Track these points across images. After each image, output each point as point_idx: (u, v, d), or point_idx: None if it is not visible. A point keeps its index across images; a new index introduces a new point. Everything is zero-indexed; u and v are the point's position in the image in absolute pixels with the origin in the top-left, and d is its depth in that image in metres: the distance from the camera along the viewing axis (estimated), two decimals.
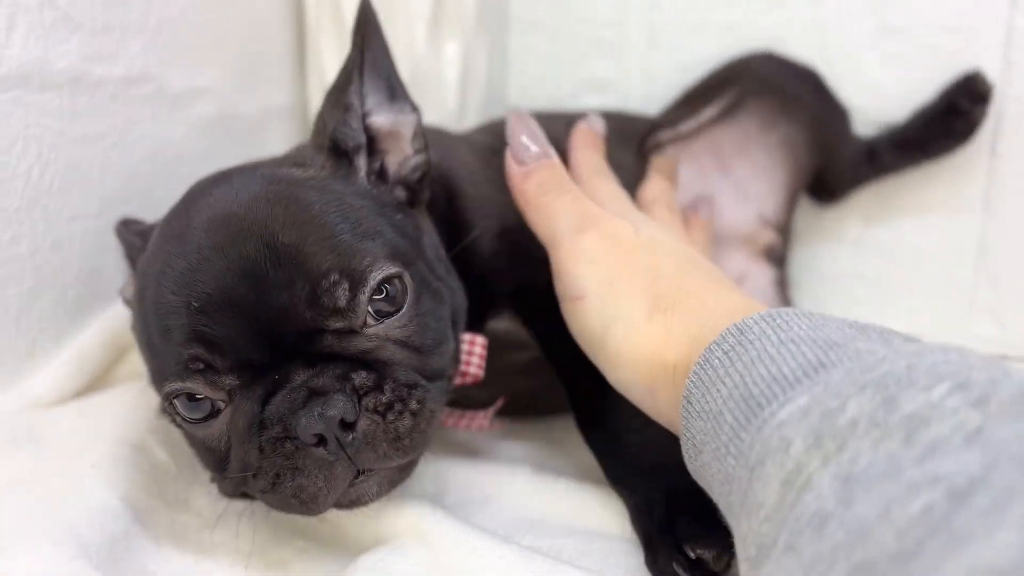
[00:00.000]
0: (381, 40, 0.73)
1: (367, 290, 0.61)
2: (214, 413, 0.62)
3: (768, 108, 0.99)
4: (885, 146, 1.04)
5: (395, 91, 0.74)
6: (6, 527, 0.62)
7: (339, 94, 0.71)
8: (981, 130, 1.03)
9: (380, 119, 0.73)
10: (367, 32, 0.71)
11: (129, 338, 0.88)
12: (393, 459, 0.61)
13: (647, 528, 0.64)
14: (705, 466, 0.54)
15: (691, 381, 0.56)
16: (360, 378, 0.60)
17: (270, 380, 0.60)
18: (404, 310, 0.64)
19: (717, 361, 0.54)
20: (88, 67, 0.83)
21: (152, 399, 0.73)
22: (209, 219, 0.63)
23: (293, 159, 0.72)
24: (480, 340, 0.75)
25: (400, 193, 0.72)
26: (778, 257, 1.03)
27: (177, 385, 0.61)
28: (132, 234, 0.83)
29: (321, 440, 0.58)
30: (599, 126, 0.85)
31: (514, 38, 1.19)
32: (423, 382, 0.63)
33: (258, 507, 0.67)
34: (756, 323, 0.54)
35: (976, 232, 1.07)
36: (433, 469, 0.76)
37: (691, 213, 0.93)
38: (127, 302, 0.81)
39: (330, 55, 1.09)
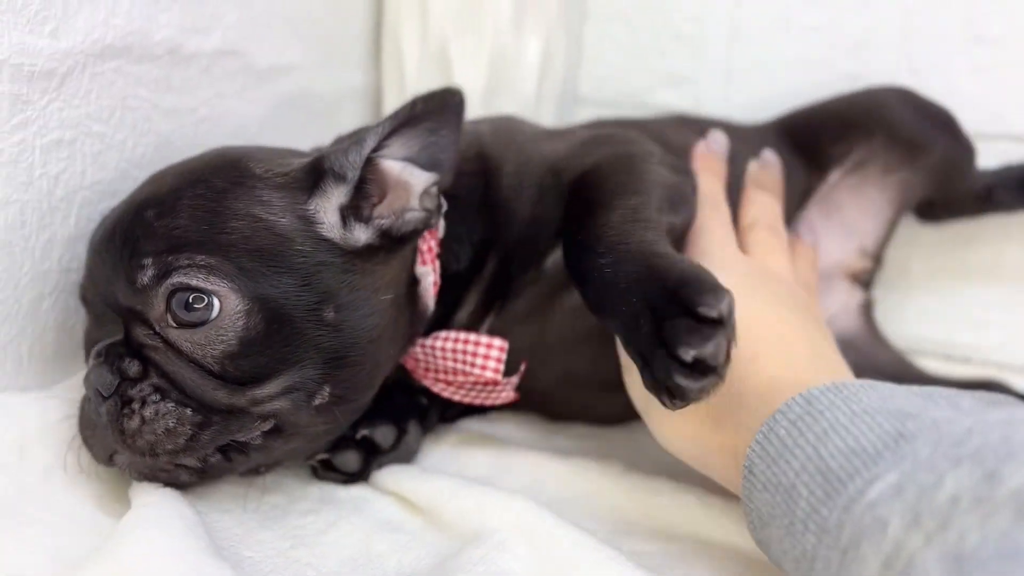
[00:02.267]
0: (455, 125, 0.70)
1: (164, 287, 0.61)
2: None
3: (896, 157, 0.95)
4: (1005, 185, 1.00)
5: (439, 166, 0.70)
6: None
7: (363, 129, 0.70)
8: None
9: (392, 164, 0.69)
10: (445, 110, 0.69)
11: None
12: (125, 451, 0.62)
13: (638, 346, 0.61)
14: (774, 539, 0.53)
15: (753, 451, 0.55)
16: (127, 364, 0.62)
17: (103, 328, 0.66)
18: (203, 329, 0.61)
19: (784, 432, 0.54)
20: (184, 39, 0.82)
21: None
22: (148, 176, 0.71)
23: (291, 154, 0.72)
24: (498, 343, 0.73)
25: (362, 236, 0.67)
26: (866, 281, 1.01)
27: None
28: None
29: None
30: (721, 146, 0.83)
31: (590, 29, 1.17)
32: (189, 403, 0.62)
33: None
34: (823, 393, 0.54)
35: None
36: (530, 463, 0.75)
37: (794, 238, 0.89)
38: None
39: (409, 40, 1.08)
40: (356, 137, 0.68)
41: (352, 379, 0.67)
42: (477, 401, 0.77)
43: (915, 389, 0.54)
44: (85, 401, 0.64)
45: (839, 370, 0.64)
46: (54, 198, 0.71)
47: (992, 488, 0.41)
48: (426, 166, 0.70)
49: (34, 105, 0.68)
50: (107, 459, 0.64)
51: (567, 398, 0.86)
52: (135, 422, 0.61)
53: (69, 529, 0.63)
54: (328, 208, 0.66)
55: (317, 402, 0.65)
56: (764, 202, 0.83)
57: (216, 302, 0.61)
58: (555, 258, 0.75)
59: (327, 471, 0.74)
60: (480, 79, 1.06)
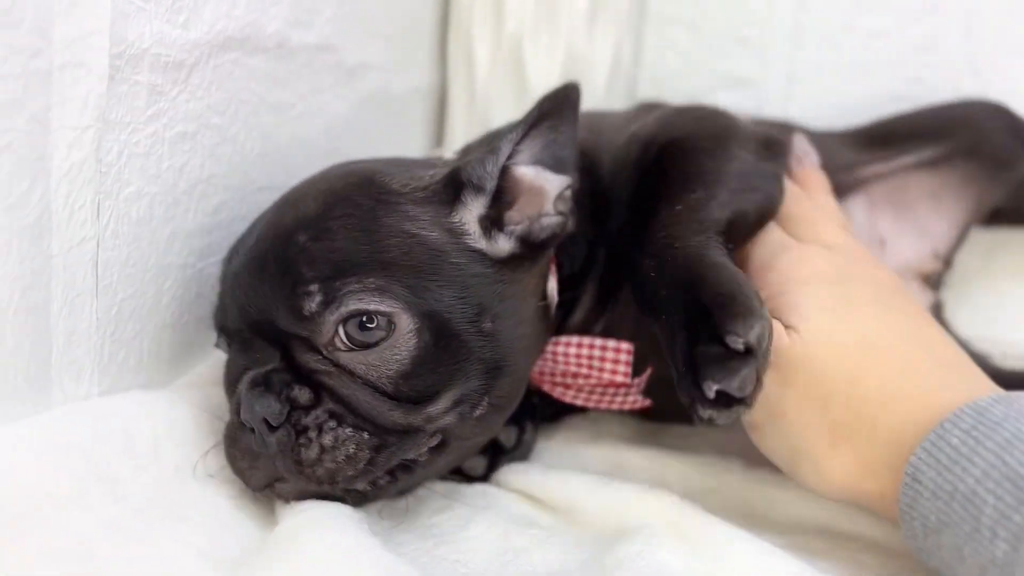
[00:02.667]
0: (572, 121, 0.69)
1: (337, 312, 0.60)
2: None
3: (977, 167, 0.96)
4: None
5: (562, 164, 0.69)
6: None
7: (495, 137, 0.70)
8: None
9: (525, 171, 0.68)
10: (564, 110, 0.69)
11: None
12: (299, 481, 0.61)
13: (674, 359, 0.61)
14: (946, 547, 0.53)
15: (920, 459, 0.55)
16: (298, 392, 0.60)
17: (252, 356, 0.64)
18: (378, 350, 0.61)
19: (957, 441, 0.53)
20: (290, 32, 0.81)
21: None
22: (281, 197, 0.69)
23: (419, 166, 0.71)
24: (625, 346, 0.73)
25: (505, 245, 0.67)
26: (936, 282, 1.02)
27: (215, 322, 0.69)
28: None
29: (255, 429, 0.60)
30: (813, 159, 0.83)
31: (649, 31, 1.18)
32: (365, 426, 0.61)
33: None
34: (992, 405, 0.54)
35: None
36: (647, 460, 0.75)
37: None
38: None
39: (481, 41, 1.08)
40: (489, 146, 0.68)
41: (508, 388, 0.66)
42: (602, 405, 0.77)
43: None
44: (235, 430, 0.63)
45: (976, 378, 0.63)
46: (177, 191, 0.70)
47: None
48: (551, 166, 0.69)
49: (166, 96, 0.67)
50: (265, 487, 0.63)
51: (665, 399, 0.86)
52: (313, 451, 0.59)
53: (213, 528, 0.62)
54: (470, 219, 0.66)
55: (478, 413, 0.64)
56: (826, 204, 0.80)
57: (390, 323, 0.60)
58: None
59: (452, 473, 0.73)
60: (554, 79, 1.06)
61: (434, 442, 0.64)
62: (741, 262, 0.70)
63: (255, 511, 0.65)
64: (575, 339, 0.73)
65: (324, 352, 0.61)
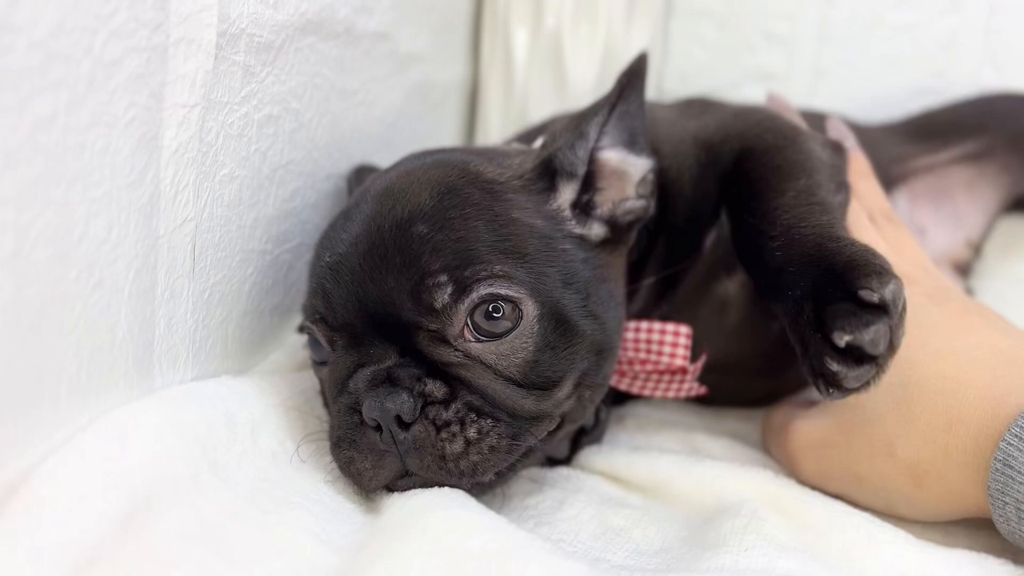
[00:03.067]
0: (641, 90, 0.71)
1: (468, 301, 0.59)
2: (325, 363, 0.65)
3: (1014, 159, 0.99)
4: None
5: (636, 140, 0.70)
6: None
7: (581, 121, 0.69)
8: None
9: (610, 155, 0.69)
10: (634, 81, 0.70)
11: None
12: (437, 476, 0.60)
13: (799, 332, 0.60)
14: None
15: (1009, 443, 0.56)
16: (432, 386, 0.59)
17: (366, 351, 0.62)
18: (508, 339, 0.60)
19: None
20: (356, 19, 0.80)
21: None
22: (375, 189, 0.66)
23: (501, 155, 0.71)
24: (684, 329, 0.73)
25: (599, 230, 0.68)
26: (966, 268, 1.05)
27: (307, 324, 0.65)
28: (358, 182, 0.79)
29: (380, 427, 0.59)
30: (852, 141, 0.84)
31: (675, 26, 1.19)
32: (500, 415, 0.60)
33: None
34: None
35: None
36: (720, 445, 0.76)
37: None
38: None
39: (518, 34, 1.08)
40: (577, 131, 0.68)
41: (607, 369, 0.67)
42: (657, 393, 0.77)
43: None
44: (351, 430, 0.61)
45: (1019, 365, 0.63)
46: (261, 176, 0.69)
47: None
48: (627, 140, 0.70)
49: (256, 77, 0.66)
50: (385, 486, 0.62)
51: (718, 383, 0.86)
52: (458, 445, 0.58)
53: (321, 512, 0.61)
54: (566, 205, 0.66)
55: (588, 395, 0.65)
56: (868, 188, 0.80)
57: (517, 310, 0.60)
58: (712, 238, 0.76)
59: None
60: (592, 71, 1.07)
61: (553, 426, 0.64)
62: None
63: (355, 497, 0.64)
64: (633, 323, 0.74)
65: (454, 344, 0.60)
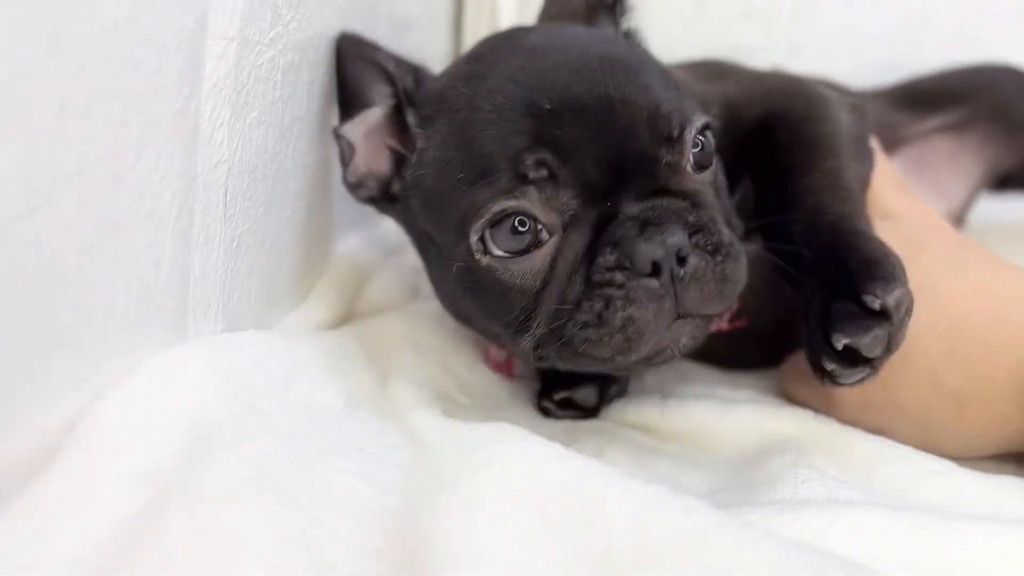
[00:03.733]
0: None
1: (692, 130, 0.61)
2: (536, 243, 0.59)
3: (995, 130, 1.02)
4: None
5: None
6: None
7: None
8: None
9: None
10: None
11: (367, 270, 0.84)
12: (713, 302, 0.59)
13: (808, 317, 0.63)
14: None
15: None
16: (694, 216, 0.59)
17: (603, 208, 0.58)
18: (713, 167, 0.64)
19: None
20: None
21: None
22: (544, 40, 0.65)
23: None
24: None
25: None
26: None
27: (510, 204, 0.58)
28: (371, 59, 0.73)
29: (655, 271, 0.56)
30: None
31: (657, 5, 1.20)
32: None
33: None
34: None
35: None
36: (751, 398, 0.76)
37: None
38: (341, 139, 0.72)
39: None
40: None
41: None
42: None
43: None
44: (618, 288, 0.57)
45: None
46: (283, 124, 0.67)
47: None
48: None
49: (283, 20, 0.64)
50: (663, 333, 0.58)
51: (731, 346, 0.86)
52: (731, 265, 0.58)
53: (364, 460, 0.58)
54: None
55: None
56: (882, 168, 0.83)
57: (712, 143, 0.63)
58: (735, 200, 0.76)
59: (565, 409, 0.72)
60: None
61: None
62: None
63: (396, 444, 0.62)
64: None
65: (689, 173, 0.61)
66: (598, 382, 0.73)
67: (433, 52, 1.07)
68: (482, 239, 0.59)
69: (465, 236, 0.60)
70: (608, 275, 0.57)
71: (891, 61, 1.17)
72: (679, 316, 0.58)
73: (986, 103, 1.02)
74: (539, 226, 0.59)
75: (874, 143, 0.81)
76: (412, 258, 0.95)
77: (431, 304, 0.85)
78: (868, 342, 0.57)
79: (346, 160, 0.71)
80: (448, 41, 1.14)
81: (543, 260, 0.59)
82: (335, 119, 0.76)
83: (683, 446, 0.69)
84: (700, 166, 0.62)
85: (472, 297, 0.64)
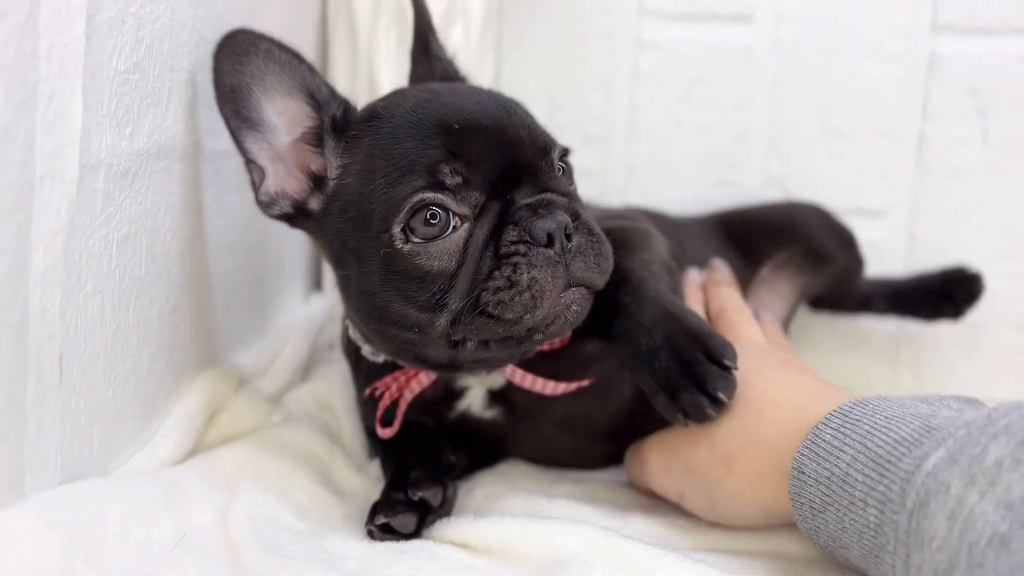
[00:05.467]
0: None
1: (557, 151, 0.80)
2: (450, 230, 0.73)
3: (807, 262, 1.16)
4: (881, 296, 1.26)
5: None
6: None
7: (429, 44, 0.95)
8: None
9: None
10: None
11: (219, 402, 0.91)
12: (594, 274, 0.75)
13: (658, 376, 0.77)
14: (830, 523, 0.67)
15: (802, 455, 0.69)
16: (572, 208, 0.76)
17: (504, 200, 0.75)
18: (574, 186, 0.82)
19: (829, 436, 0.68)
20: (204, 140, 0.88)
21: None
22: (443, 87, 0.85)
23: None
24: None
25: None
26: None
27: (428, 196, 0.72)
28: (301, 80, 0.80)
29: (550, 243, 0.72)
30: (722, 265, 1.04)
31: None
32: None
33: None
34: (854, 407, 0.69)
35: None
36: (558, 507, 0.85)
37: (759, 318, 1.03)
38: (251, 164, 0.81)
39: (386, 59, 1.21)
40: None
41: None
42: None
43: (916, 397, 0.70)
44: (522, 256, 0.72)
45: (842, 395, 0.77)
46: (122, 288, 0.75)
47: None
48: None
49: (115, 201, 0.72)
50: (558, 296, 0.73)
51: (565, 440, 0.96)
52: (605, 247, 0.77)
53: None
54: None
55: None
56: (725, 293, 0.98)
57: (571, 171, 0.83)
58: None
59: (385, 533, 0.79)
60: None
61: None
62: None
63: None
64: None
65: (562, 182, 0.79)
66: (419, 508, 0.80)
67: None
68: (404, 229, 0.73)
69: (388, 229, 0.73)
70: (514, 247, 0.72)
71: (718, 177, 1.30)
72: (569, 285, 0.74)
73: (800, 243, 1.16)
74: (452, 215, 0.73)
75: (728, 276, 1.01)
76: (267, 385, 1.03)
77: (278, 431, 0.93)
78: (732, 387, 0.76)
79: (256, 184, 0.81)
80: None
81: (457, 243, 0.74)
82: (179, 272, 0.84)
83: (494, 560, 0.77)
84: (571, 183, 0.82)
85: (393, 287, 0.76)
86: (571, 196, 0.79)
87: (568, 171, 0.82)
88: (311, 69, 0.80)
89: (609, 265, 0.77)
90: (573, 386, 0.87)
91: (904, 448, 0.62)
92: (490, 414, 0.92)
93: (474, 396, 0.90)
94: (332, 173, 0.79)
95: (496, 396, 0.90)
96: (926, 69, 1.25)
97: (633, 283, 0.82)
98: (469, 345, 0.76)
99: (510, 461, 0.98)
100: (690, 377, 0.76)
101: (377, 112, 0.79)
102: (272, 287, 1.15)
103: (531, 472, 0.96)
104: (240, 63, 0.77)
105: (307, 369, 1.13)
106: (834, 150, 1.28)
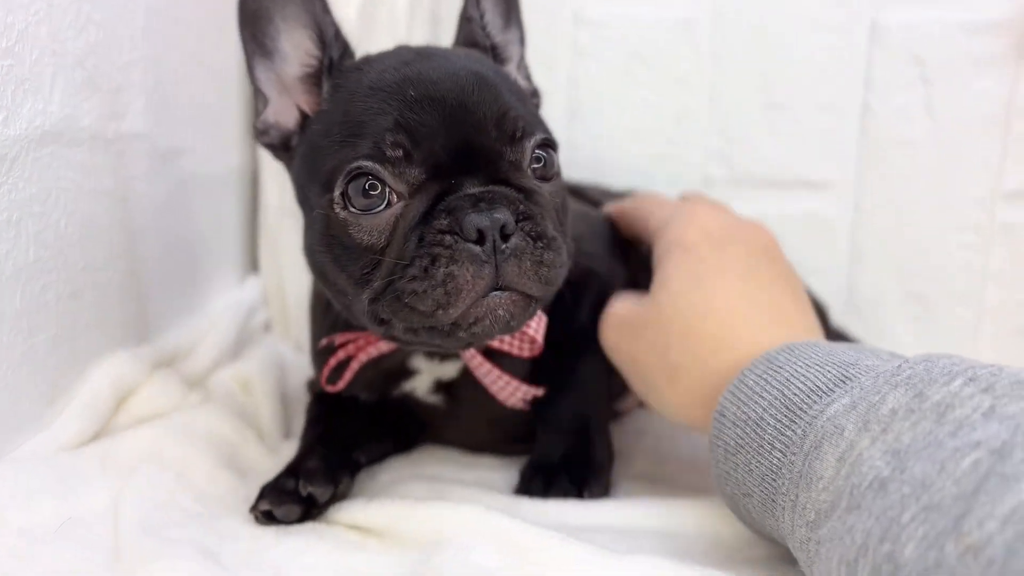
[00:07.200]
0: None
1: (533, 140, 0.73)
2: (385, 205, 0.70)
3: None
4: None
5: (509, 17, 0.88)
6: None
7: (466, 5, 0.85)
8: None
9: (496, 37, 0.86)
10: None
11: (129, 386, 0.92)
12: (530, 282, 0.69)
13: (542, 466, 0.84)
14: (740, 465, 0.67)
15: (726, 398, 0.70)
16: (524, 205, 0.70)
17: (447, 183, 0.69)
18: (554, 183, 0.76)
19: (752, 382, 0.68)
20: (104, 125, 0.88)
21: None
22: (423, 52, 0.77)
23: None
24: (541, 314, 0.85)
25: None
26: None
27: (366, 164, 0.69)
28: (313, 15, 0.79)
29: (480, 240, 0.67)
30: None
31: None
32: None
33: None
34: (779, 353, 0.69)
35: None
36: (458, 494, 0.85)
37: None
38: (258, 92, 0.81)
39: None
40: (464, 17, 0.87)
41: None
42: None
43: (847, 345, 0.70)
44: (446, 248, 0.67)
45: (797, 326, 0.77)
46: (4, 275, 0.75)
47: (920, 402, 0.55)
48: (504, 23, 0.91)
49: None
50: (479, 297, 0.68)
51: (491, 436, 0.96)
52: (550, 254, 0.70)
53: None
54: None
55: None
56: (660, 204, 0.94)
57: (556, 162, 0.75)
58: None
59: (268, 520, 0.79)
60: None
61: None
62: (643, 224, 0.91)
63: (101, 563, 0.69)
64: None
65: (528, 174, 0.73)
66: (306, 502, 0.79)
67: (220, 171, 1.15)
68: (343, 194, 0.70)
69: (330, 190, 0.71)
70: (439, 236, 0.67)
71: (658, 151, 1.28)
72: (498, 288, 0.68)
73: None
74: (389, 190, 0.69)
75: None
76: (191, 366, 1.04)
77: (189, 414, 0.94)
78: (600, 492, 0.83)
79: (259, 110, 0.81)
80: (241, 155, 1.23)
81: (388, 220, 0.70)
82: (80, 257, 0.85)
83: (383, 541, 0.77)
84: (542, 178, 0.74)
85: (328, 250, 0.74)
86: (529, 192, 0.71)
87: (547, 163, 0.75)
88: (325, 6, 0.78)
89: (554, 275, 0.71)
90: (531, 393, 0.87)
91: (816, 396, 0.63)
92: (434, 399, 0.91)
93: (422, 381, 0.90)
94: (313, 117, 0.78)
95: (443, 385, 0.90)
96: (868, 39, 1.23)
97: (586, 346, 0.86)
98: (398, 326, 0.72)
99: (426, 447, 0.99)
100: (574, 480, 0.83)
101: (358, 65, 0.77)
102: (205, 270, 1.16)
103: (444, 457, 0.96)
104: None
105: (237, 351, 1.13)
106: (776, 123, 1.26)
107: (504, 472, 0.93)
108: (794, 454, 0.62)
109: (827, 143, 1.26)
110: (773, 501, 0.64)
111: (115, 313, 0.92)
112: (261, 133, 0.81)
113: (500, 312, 0.69)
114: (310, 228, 0.76)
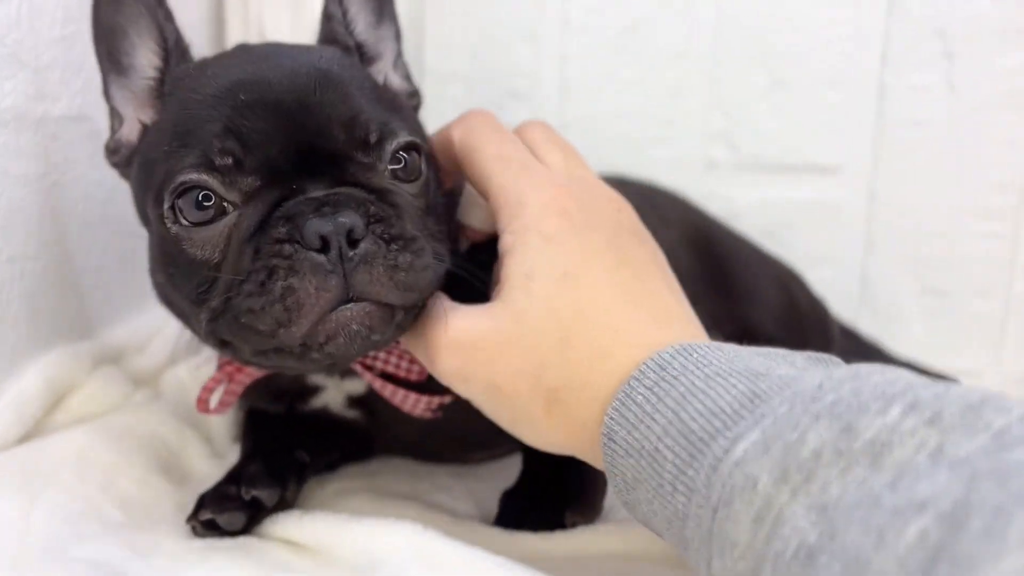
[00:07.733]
0: None
1: (393, 143, 0.65)
2: (219, 215, 0.63)
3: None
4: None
5: (382, 13, 0.79)
6: None
7: (326, 3, 0.77)
8: None
9: (363, 35, 0.78)
10: None
11: (66, 384, 0.86)
12: (385, 289, 0.61)
13: (520, 500, 0.78)
14: (643, 501, 0.56)
15: (611, 418, 0.58)
16: (375, 207, 0.62)
17: (287, 188, 0.62)
18: (419, 183, 0.68)
19: (642, 398, 0.56)
20: (32, 105, 0.82)
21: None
22: (262, 51, 0.71)
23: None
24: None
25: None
26: None
27: (193, 176, 0.62)
28: (157, 23, 0.73)
29: (325, 248, 0.59)
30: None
31: (428, 87, 1.23)
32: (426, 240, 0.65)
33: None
34: (674, 358, 0.56)
35: None
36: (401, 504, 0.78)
37: None
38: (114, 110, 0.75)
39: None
40: (325, 13, 0.78)
41: None
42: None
43: (755, 349, 0.58)
44: (284, 259, 0.59)
45: (682, 319, 0.65)
46: None
47: (850, 441, 0.44)
48: (376, 20, 0.82)
49: None
50: (326, 312, 0.60)
51: (431, 446, 0.90)
52: (407, 256, 0.62)
53: None
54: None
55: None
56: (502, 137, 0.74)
57: (423, 162, 0.68)
58: None
59: (209, 530, 0.73)
60: None
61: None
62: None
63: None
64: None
65: (384, 174, 0.66)
66: (251, 507, 0.74)
67: None
68: (173, 208, 0.64)
69: (161, 203, 0.64)
70: (276, 247, 0.60)
71: (652, 134, 1.20)
72: (350, 299, 0.60)
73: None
74: (223, 202, 0.63)
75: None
76: (142, 363, 0.98)
77: (127, 415, 0.88)
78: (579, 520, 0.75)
79: (115, 129, 0.75)
80: None
81: (221, 232, 0.63)
82: (5, 244, 0.79)
83: (315, 560, 0.71)
84: (403, 179, 0.67)
85: (164, 268, 0.68)
86: (383, 192, 0.64)
87: (409, 165, 0.67)
88: (168, 13, 0.73)
89: (416, 279, 0.62)
90: (435, 402, 0.77)
91: (719, 422, 0.51)
92: (352, 414, 0.84)
93: (332, 396, 0.83)
94: (150, 128, 0.72)
95: (357, 400, 0.83)
96: (885, 10, 1.13)
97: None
98: (244, 349, 0.65)
99: (385, 457, 0.92)
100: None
101: (191, 71, 0.71)
102: None
103: (400, 467, 0.90)
104: (120, 2, 0.72)
105: (196, 347, 1.07)
106: (783, 102, 1.17)
107: (468, 481, 0.87)
108: (700, 506, 0.51)
109: (839, 123, 1.17)
110: (686, 550, 0.53)
111: (50, 306, 0.86)
112: (112, 152, 0.75)
113: (354, 327, 0.61)
114: (149, 246, 0.70)
